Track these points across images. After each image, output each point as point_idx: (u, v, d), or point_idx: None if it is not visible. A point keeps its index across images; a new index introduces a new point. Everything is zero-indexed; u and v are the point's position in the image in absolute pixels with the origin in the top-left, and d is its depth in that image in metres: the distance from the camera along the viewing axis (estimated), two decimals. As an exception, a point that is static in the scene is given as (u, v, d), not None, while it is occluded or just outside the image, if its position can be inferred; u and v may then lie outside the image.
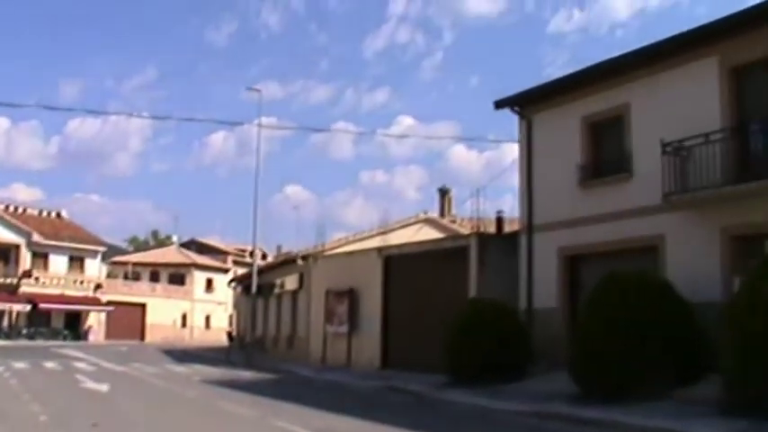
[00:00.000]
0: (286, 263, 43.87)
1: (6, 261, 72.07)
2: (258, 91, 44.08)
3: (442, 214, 45.51)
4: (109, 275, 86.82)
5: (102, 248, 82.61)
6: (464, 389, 20.68)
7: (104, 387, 22.46)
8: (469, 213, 30.12)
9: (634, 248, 20.77)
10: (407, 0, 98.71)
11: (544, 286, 23.53)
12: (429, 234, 38.50)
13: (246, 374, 30.00)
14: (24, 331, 68.98)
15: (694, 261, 19.08)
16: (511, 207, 25.23)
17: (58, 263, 76.52)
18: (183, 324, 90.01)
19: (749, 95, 19.06)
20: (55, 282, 74.86)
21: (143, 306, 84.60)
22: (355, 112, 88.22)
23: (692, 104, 19.66)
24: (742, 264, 17.52)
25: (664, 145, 18.99)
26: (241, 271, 75.38)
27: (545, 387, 19.62)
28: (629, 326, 16.87)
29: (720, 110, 19.08)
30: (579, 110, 23.05)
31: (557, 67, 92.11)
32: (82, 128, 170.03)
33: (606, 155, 22.44)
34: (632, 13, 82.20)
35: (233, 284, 65.10)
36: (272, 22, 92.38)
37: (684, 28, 19.83)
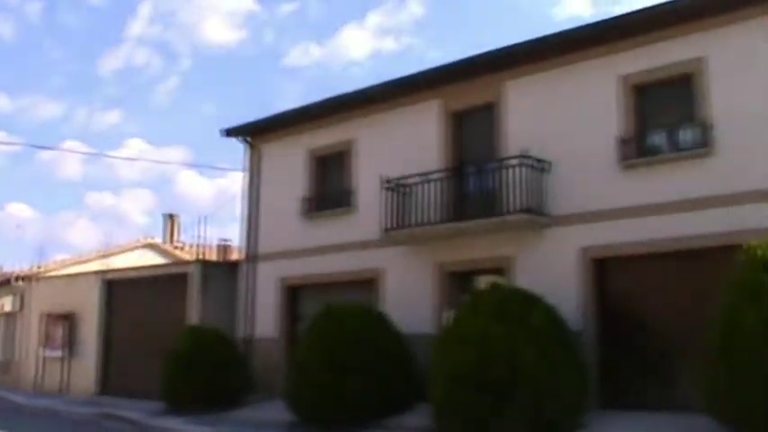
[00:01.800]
0: (3, 284, 41.12)
1: None
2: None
3: (168, 239, 44.27)
4: None
5: None
6: (181, 416, 19.92)
7: None
8: (197, 240, 29.39)
9: (354, 281, 20.82)
10: (147, 22, 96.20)
11: (265, 315, 23.15)
12: (153, 259, 37.34)
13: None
14: None
15: (411, 294, 19.37)
16: (240, 235, 24.64)
17: None
18: None
19: (467, 139, 19.68)
20: None
21: None
22: (86, 132, 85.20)
23: (415, 144, 20.03)
24: (454, 298, 17.97)
25: (385, 181, 19.17)
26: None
27: (263, 415, 19.30)
28: (344, 356, 16.83)
29: (440, 151, 19.56)
30: (306, 143, 22.98)
31: (290, 100, 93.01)
32: None
33: (330, 188, 22.45)
34: (368, 53, 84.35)
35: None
36: (4, 32, 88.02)
37: (414, 70, 20.17)
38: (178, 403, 21.12)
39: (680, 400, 15.12)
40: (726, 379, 12.08)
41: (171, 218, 45.73)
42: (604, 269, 17.00)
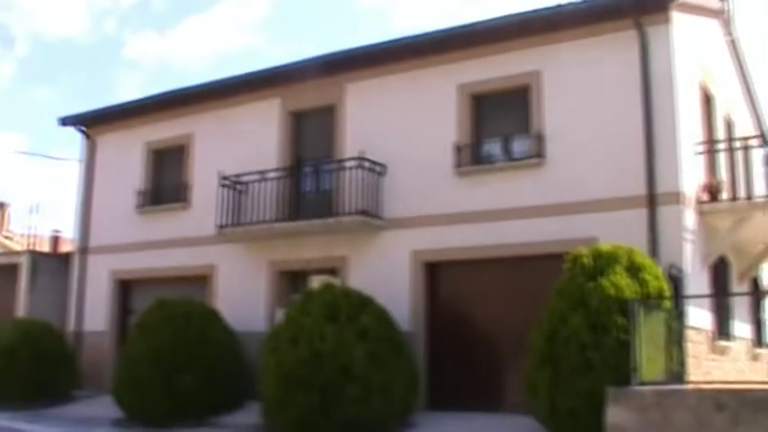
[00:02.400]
0: None
1: None
2: None
3: (-4, 229, 42.35)
4: None
5: None
6: (4, 412, 18.96)
7: None
8: (28, 230, 28.17)
9: (188, 277, 20.40)
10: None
11: (96, 309, 22.38)
12: (-20, 250, 35.61)
13: None
14: None
15: (245, 292, 19.14)
16: (73, 227, 23.77)
17: None
18: None
19: (306, 139, 19.61)
20: None
21: None
22: None
23: (254, 142, 19.78)
24: (288, 297, 17.85)
25: (221, 178, 18.88)
26: None
27: (88, 411, 18.68)
28: (174, 352, 16.48)
29: (279, 150, 19.39)
30: (144, 135, 22.34)
31: (131, 92, 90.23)
32: None
33: (167, 183, 21.88)
34: (212, 48, 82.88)
35: None
36: None
37: (257, 68, 19.98)
38: (2, 398, 20.14)
39: (507, 401, 15.51)
40: (550, 382, 12.40)
41: (1, 207, 43.85)
42: (436, 273, 17.23)
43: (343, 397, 13.91)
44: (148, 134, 22.28)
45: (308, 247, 18.27)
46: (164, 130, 21.93)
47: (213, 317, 17.81)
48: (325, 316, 14.61)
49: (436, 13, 77.67)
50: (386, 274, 17.17)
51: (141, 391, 16.52)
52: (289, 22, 79.14)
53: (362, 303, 15.13)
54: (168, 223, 21.20)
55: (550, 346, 12.58)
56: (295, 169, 19.21)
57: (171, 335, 16.71)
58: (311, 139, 19.56)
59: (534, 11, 16.23)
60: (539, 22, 16.34)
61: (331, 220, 17.53)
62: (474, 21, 17.12)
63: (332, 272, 17.98)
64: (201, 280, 20.10)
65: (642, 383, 11.92)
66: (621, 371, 11.98)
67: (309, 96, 19.34)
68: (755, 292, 19.63)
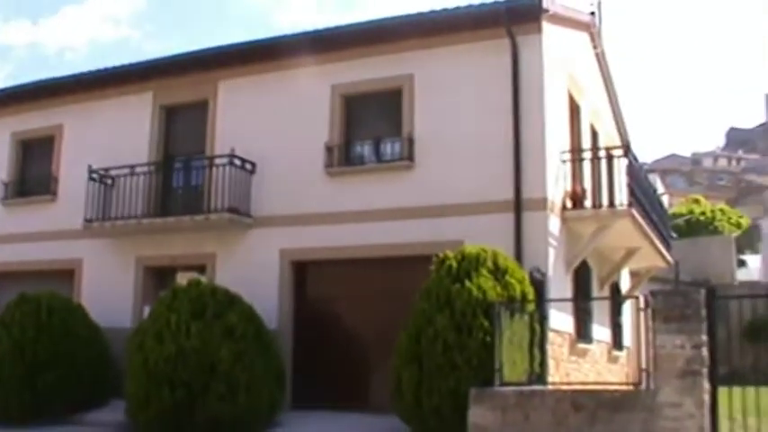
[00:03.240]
0: None
1: None
2: None
3: None
4: None
5: None
6: None
7: None
8: None
9: (54, 271, 19.64)
10: None
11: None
12: None
13: None
14: None
15: (111, 288, 18.58)
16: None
17: None
18: None
19: (176, 134, 19.26)
20: None
21: None
22: None
23: (125, 136, 19.24)
24: (155, 293, 17.43)
25: (90, 171, 18.34)
26: None
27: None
28: (36, 349, 15.80)
29: (150, 145, 18.95)
30: (11, 125, 21.47)
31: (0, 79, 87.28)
32: None
33: (34, 174, 21.11)
34: (85, 39, 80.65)
35: None
36: None
37: (131, 61, 19.50)
38: None
39: (374, 401, 15.51)
40: (415, 382, 12.43)
41: None
42: (305, 272, 17.20)
43: (209, 395, 13.65)
44: (15, 124, 21.40)
45: (177, 243, 17.91)
46: (32, 121, 21.09)
47: (78, 312, 17.16)
48: (192, 313, 14.31)
49: (319, 15, 77.73)
50: (254, 272, 16.96)
51: (2, 388, 15.84)
52: (165, 18, 77.93)
53: (230, 301, 14.89)
54: (35, 216, 20.40)
55: (416, 346, 12.60)
56: (165, 165, 18.81)
57: (34, 330, 16.01)
58: (183, 134, 19.20)
59: (408, 15, 16.32)
60: (412, 27, 16.43)
61: (199, 217, 17.23)
62: (349, 23, 17.10)
63: (200, 269, 17.68)
64: (68, 275, 19.43)
65: (504, 384, 12.05)
66: (485, 372, 12.08)
67: (182, 92, 18.97)
68: (615, 297, 20.14)
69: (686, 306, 11.40)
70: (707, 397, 10.94)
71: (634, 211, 16.00)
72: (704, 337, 11.27)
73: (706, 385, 11.13)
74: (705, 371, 11.18)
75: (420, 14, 16.43)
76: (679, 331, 11.26)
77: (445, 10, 16.25)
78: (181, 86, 18.93)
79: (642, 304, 12.06)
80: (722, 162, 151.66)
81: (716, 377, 11.34)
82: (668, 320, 11.34)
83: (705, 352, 11.23)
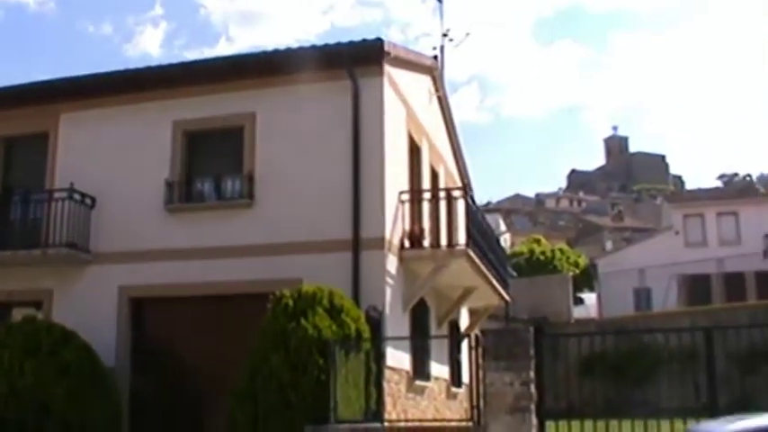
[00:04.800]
0: None
1: None
2: None
3: None
4: None
5: None
6: None
7: None
8: None
9: None
10: None
11: None
12: None
13: None
14: None
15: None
16: None
17: None
18: None
19: (16, 166, 18.74)
20: None
21: None
22: None
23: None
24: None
25: None
26: None
27: None
28: None
29: (-8, 176, 18.32)
30: None
31: None
32: None
33: None
34: None
35: None
36: None
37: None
38: None
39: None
40: (251, 420, 12.40)
41: None
42: (144, 309, 16.80)
43: (42, 435, 13.27)
44: None
45: (14, 278, 17.14)
46: None
47: None
48: (26, 350, 13.97)
49: (168, 50, 76.88)
50: (92, 308, 16.49)
51: None
52: (9, 45, 75.54)
53: (65, 338, 14.55)
54: None
55: (252, 384, 12.60)
56: (3, 197, 18.08)
57: None
58: (22, 166, 18.64)
59: (251, 54, 16.45)
60: (255, 66, 16.47)
61: (37, 252, 16.65)
62: (193, 60, 17.02)
63: (37, 305, 17.03)
64: None
65: (339, 422, 12.11)
66: (320, 410, 12.15)
67: (22, 123, 18.30)
68: (452, 335, 20.46)
69: (515, 344, 11.77)
70: (534, 432, 11.29)
71: (470, 252, 16.35)
72: (532, 374, 11.64)
73: (534, 420, 11.49)
74: (533, 407, 11.55)
75: (263, 53, 16.53)
76: (508, 369, 11.62)
77: (288, 50, 16.39)
78: (21, 118, 18.26)
79: (473, 343, 12.34)
80: (564, 203, 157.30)
81: (543, 413, 11.73)
82: (498, 358, 11.69)
83: (533, 388, 11.60)
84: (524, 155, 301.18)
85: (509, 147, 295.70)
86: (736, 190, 64.34)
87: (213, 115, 16.69)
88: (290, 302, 12.96)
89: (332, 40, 16.43)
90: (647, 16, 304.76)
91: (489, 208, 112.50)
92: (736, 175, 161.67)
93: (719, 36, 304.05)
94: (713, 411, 11.09)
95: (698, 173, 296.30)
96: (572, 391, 13.76)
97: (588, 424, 11.77)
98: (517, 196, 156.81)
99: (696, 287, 44.00)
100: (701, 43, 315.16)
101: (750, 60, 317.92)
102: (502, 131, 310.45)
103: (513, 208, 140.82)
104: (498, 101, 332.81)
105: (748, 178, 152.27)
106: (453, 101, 21.46)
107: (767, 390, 23.49)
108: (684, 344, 14.60)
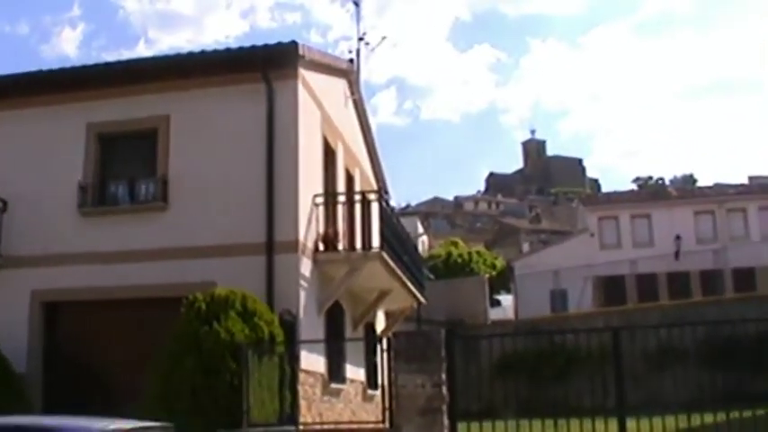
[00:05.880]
0: None
1: None
2: None
3: None
4: None
5: None
6: None
7: None
8: None
9: None
10: None
11: None
12: None
13: None
14: None
15: None
16: None
17: None
18: None
19: None
20: None
21: None
22: None
23: None
24: None
25: None
26: None
27: None
28: None
29: None
30: None
31: None
32: None
33: None
34: None
35: None
36: None
37: None
38: None
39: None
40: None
41: None
42: (57, 313, 16.55)
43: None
44: None
45: None
46: None
47: None
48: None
49: (86, 51, 75.67)
50: (3, 313, 16.18)
51: None
52: None
53: (-28, 343, 14.27)
54: None
55: (165, 388, 12.53)
56: None
57: None
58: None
59: (165, 57, 16.37)
60: (169, 68, 16.41)
61: (-56, 256, 16.32)
62: (107, 61, 16.83)
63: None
64: None
65: (252, 425, 12.13)
66: (233, 414, 12.13)
67: None
68: (367, 338, 20.55)
69: (427, 346, 11.92)
70: (446, 433, 11.45)
71: (384, 254, 16.49)
72: (444, 376, 11.80)
73: (446, 422, 11.65)
74: (445, 408, 11.71)
75: (177, 56, 16.49)
76: (420, 371, 11.76)
77: (203, 52, 16.35)
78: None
79: (385, 345, 12.46)
80: (482, 206, 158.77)
81: (456, 414, 11.90)
82: (409, 360, 11.83)
83: (445, 390, 11.76)
84: (443, 158, 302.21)
85: (428, 150, 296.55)
86: (649, 193, 65.31)
87: (127, 118, 16.55)
88: (203, 306, 12.96)
89: (251, 43, 16.34)
90: (563, 21, 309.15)
91: (408, 211, 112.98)
92: (650, 178, 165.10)
93: (638, 40, 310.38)
94: (621, 409, 11.44)
95: (614, 177, 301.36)
96: (487, 392, 13.99)
97: (500, 424, 12.01)
98: (436, 199, 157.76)
99: (611, 288, 44.90)
100: (619, 47, 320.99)
101: (665, 65, 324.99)
102: (421, 135, 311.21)
103: (432, 211, 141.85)
104: (417, 104, 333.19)
105: (661, 181, 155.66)
106: (372, 104, 21.53)
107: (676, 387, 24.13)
108: (596, 344, 14.93)
